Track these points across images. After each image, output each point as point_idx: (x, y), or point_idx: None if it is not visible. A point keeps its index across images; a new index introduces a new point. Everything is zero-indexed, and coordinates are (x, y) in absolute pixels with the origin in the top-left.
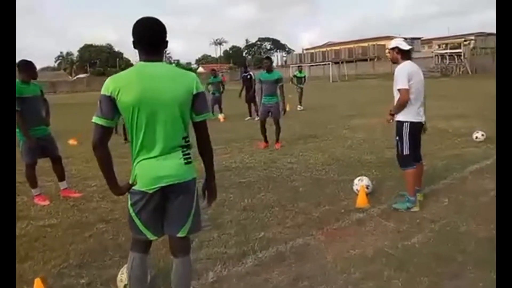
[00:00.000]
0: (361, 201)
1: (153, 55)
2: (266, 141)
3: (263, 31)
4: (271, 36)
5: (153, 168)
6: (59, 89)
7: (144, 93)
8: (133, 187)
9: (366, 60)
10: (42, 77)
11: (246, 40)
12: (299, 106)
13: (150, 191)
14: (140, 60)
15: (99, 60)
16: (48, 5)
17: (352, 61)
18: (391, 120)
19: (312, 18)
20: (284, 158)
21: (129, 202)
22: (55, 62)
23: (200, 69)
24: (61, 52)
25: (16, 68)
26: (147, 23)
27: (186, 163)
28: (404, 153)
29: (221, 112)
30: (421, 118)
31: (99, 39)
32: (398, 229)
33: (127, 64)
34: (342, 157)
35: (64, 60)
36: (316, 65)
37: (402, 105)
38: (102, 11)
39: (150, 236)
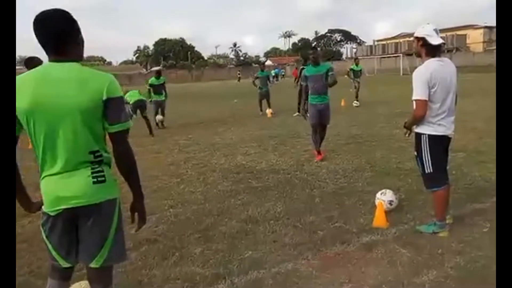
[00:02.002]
0: (379, 220)
1: (60, 55)
2: (319, 152)
3: (334, 21)
4: (341, 28)
5: (54, 187)
6: (133, 81)
7: (39, 99)
8: (42, 207)
9: (443, 51)
10: (120, 70)
11: (315, 32)
12: (355, 101)
13: (53, 214)
14: (49, 60)
15: (172, 54)
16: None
17: None
18: (407, 134)
19: (387, 7)
20: (314, 161)
21: (41, 222)
22: (134, 55)
23: (268, 62)
24: (138, 46)
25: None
26: (46, 18)
27: (95, 182)
28: (426, 172)
29: (269, 107)
30: (446, 131)
31: (173, 33)
32: (413, 260)
33: (198, 57)
34: (379, 163)
35: (141, 54)
36: (388, 57)
37: (416, 120)
38: (178, 8)
39: (62, 262)
